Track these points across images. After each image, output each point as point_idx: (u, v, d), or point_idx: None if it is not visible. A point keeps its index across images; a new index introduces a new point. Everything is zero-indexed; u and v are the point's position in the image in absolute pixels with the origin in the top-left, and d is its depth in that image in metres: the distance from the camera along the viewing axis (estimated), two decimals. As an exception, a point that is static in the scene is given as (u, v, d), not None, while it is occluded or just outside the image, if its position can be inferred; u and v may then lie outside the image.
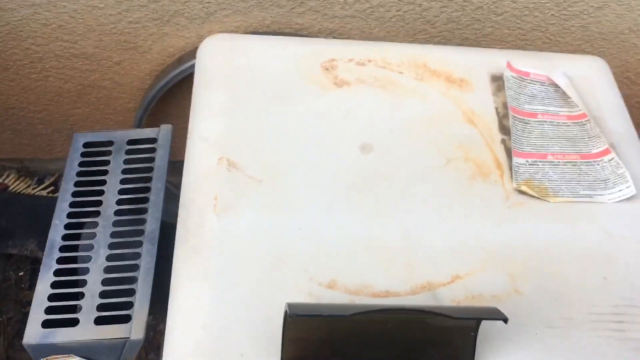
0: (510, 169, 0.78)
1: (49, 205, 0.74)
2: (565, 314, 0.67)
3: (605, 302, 0.68)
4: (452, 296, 0.68)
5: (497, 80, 0.86)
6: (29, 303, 0.67)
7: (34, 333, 0.63)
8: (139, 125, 1.24)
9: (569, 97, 0.83)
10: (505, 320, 0.56)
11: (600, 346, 0.65)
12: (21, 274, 1.34)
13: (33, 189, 1.40)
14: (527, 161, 0.78)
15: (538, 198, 0.75)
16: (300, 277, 0.67)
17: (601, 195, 0.76)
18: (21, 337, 0.64)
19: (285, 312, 0.55)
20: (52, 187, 1.41)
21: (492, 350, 0.64)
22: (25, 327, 0.64)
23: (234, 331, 0.62)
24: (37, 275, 0.67)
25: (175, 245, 0.68)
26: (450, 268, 0.70)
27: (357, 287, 0.67)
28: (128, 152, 0.77)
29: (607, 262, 0.71)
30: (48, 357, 0.66)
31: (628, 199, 0.76)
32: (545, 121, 0.82)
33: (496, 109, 0.84)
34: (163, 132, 0.79)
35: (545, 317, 0.67)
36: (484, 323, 0.65)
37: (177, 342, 0.62)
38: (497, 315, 0.55)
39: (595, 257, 0.72)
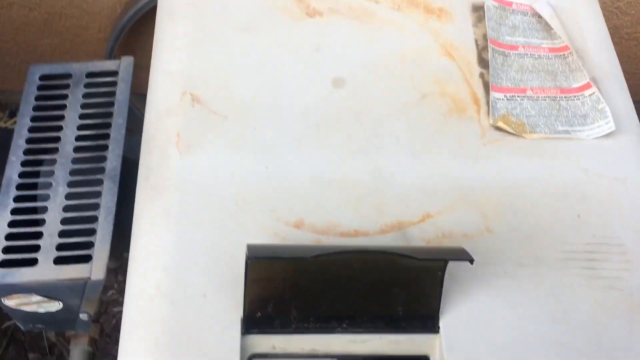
0: (488, 104, 0.75)
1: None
2: (536, 252, 0.66)
3: (578, 240, 0.67)
4: (422, 235, 0.66)
5: (479, 10, 0.82)
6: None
7: (-9, 273, 0.62)
8: (110, 56, 1.19)
9: (552, 29, 0.79)
10: (471, 261, 0.54)
11: (571, 284, 0.64)
12: (-3, 209, 1.32)
13: (5, 122, 1.36)
14: (505, 96, 0.75)
15: (515, 134, 0.73)
16: (266, 217, 0.65)
17: (580, 131, 0.73)
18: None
19: (246, 254, 0.53)
20: (24, 121, 1.37)
21: (460, 289, 0.63)
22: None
23: (197, 272, 0.61)
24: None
25: (137, 185, 0.66)
26: (421, 207, 0.68)
27: (324, 227, 0.65)
28: (87, 85, 0.73)
29: (582, 200, 0.70)
30: (9, 296, 0.65)
31: (607, 136, 0.73)
32: (526, 54, 0.78)
33: (476, 41, 0.80)
34: (124, 64, 0.75)
35: (516, 255, 0.66)
36: (451, 263, 0.64)
37: (138, 284, 0.61)
38: (462, 256, 0.54)
39: (570, 194, 0.70)
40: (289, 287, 0.59)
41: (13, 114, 1.38)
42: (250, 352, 0.59)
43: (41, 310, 0.69)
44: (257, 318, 0.59)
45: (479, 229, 0.67)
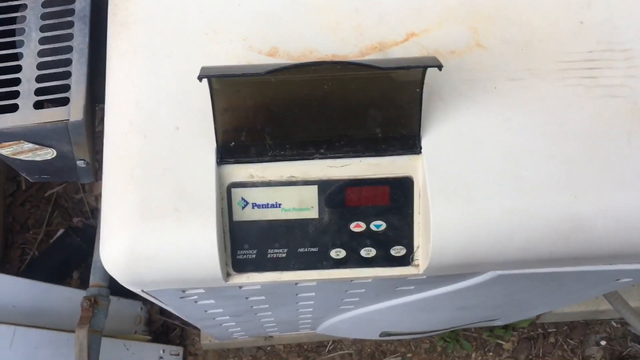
0: None
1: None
2: (531, 65, 0.61)
3: (579, 49, 0.61)
4: (405, 55, 0.62)
5: None
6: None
7: (-25, 121, 0.63)
8: None
9: None
10: (439, 67, 0.50)
11: (566, 95, 0.60)
12: None
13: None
14: None
15: (514, -62, 0.65)
16: (238, 46, 0.62)
17: None
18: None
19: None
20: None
21: (444, 107, 0.60)
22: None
23: (168, 106, 0.60)
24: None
25: (107, 22, 0.64)
26: (404, 26, 0.63)
27: (300, 53, 0.62)
28: None
29: (586, 5, 0.63)
30: (0, 145, 0.66)
31: None
32: None
33: None
34: None
35: (507, 69, 0.61)
36: (435, 81, 0.60)
37: (112, 120, 0.61)
38: (429, 62, 0.50)
39: (573, 0, 0.63)
40: (260, 113, 0.57)
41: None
42: (228, 181, 0.59)
43: (38, 158, 0.71)
44: (231, 147, 0.58)
45: (468, 44, 0.62)
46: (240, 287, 0.66)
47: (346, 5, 0.64)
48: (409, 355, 1.49)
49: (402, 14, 0.63)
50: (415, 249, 0.61)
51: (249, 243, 0.61)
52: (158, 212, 0.57)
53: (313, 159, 0.59)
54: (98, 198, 0.97)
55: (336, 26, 0.63)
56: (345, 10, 0.64)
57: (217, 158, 0.58)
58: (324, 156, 0.59)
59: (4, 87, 0.64)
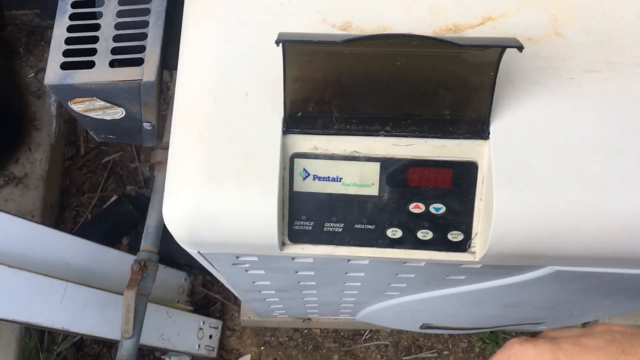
0: None
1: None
2: (610, 57, 0.59)
3: (662, 45, 0.59)
4: (480, 39, 0.61)
5: None
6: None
7: (53, 74, 0.65)
8: None
9: None
10: (520, 48, 0.49)
11: (645, 92, 0.58)
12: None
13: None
14: None
15: None
16: (312, 18, 0.62)
17: None
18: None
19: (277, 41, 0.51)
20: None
21: (516, 94, 0.58)
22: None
23: (239, 72, 0.60)
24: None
25: (185, -12, 0.65)
26: (481, 9, 0.62)
27: (373, 29, 0.62)
28: None
29: (675, 0, 0.60)
30: (74, 100, 0.68)
31: None
32: None
33: None
34: None
35: (586, 60, 0.59)
36: (508, 66, 0.59)
37: (184, 83, 0.62)
38: (509, 42, 0.49)
39: (661, -6, 0.61)
40: (330, 85, 0.57)
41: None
42: (292, 151, 0.59)
43: (107, 117, 0.72)
44: (298, 117, 0.59)
45: (546, 32, 0.61)
46: (293, 258, 0.66)
47: (423, -16, 0.63)
48: (446, 352, 1.47)
49: (480, -3, 0.63)
50: (473, 235, 0.60)
51: (306, 214, 0.61)
52: (222, 175, 0.58)
53: (378, 135, 0.59)
54: (152, 168, 0.98)
55: (411, 5, 0.63)
56: (421, -11, 0.63)
57: (283, 127, 0.59)
58: (389, 134, 0.59)
59: (82, 44, 0.66)
